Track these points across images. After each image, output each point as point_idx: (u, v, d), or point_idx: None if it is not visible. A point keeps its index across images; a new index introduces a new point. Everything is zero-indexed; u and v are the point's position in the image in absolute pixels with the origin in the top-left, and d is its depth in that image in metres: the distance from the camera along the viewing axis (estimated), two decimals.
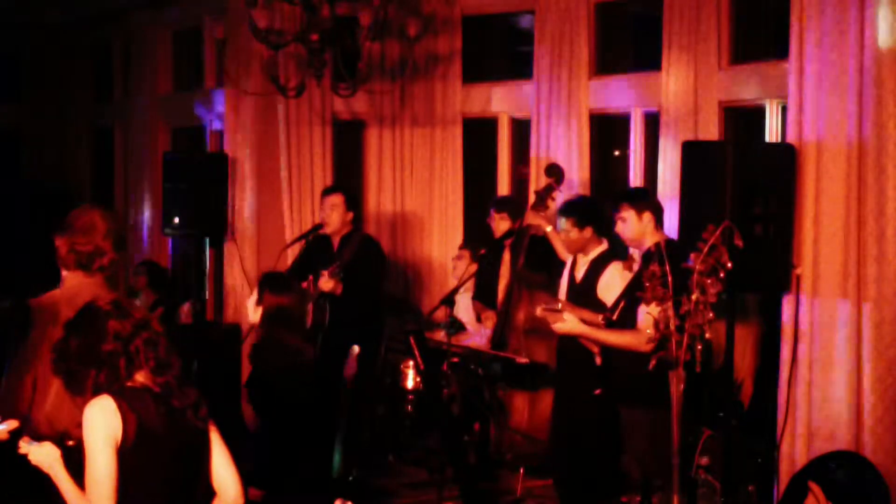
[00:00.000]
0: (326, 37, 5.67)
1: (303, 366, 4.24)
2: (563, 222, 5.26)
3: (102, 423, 2.79)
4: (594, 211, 5.30)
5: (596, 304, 5.10)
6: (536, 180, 6.57)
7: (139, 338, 2.87)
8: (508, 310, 5.95)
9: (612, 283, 5.12)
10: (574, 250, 5.33)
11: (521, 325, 5.83)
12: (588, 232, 5.22)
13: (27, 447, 2.93)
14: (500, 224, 6.17)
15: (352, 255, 5.92)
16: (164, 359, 2.90)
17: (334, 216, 5.97)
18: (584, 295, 5.19)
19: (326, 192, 6.15)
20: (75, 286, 3.51)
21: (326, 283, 5.70)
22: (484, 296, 6.51)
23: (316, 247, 6.13)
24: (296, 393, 4.20)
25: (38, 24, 9.85)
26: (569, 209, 5.29)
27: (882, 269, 4.34)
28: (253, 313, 4.26)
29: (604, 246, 5.29)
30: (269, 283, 4.29)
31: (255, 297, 4.27)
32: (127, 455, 2.80)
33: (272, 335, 4.19)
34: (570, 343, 5.03)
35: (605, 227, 5.22)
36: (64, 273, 3.59)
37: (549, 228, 5.76)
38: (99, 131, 10.11)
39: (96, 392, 2.84)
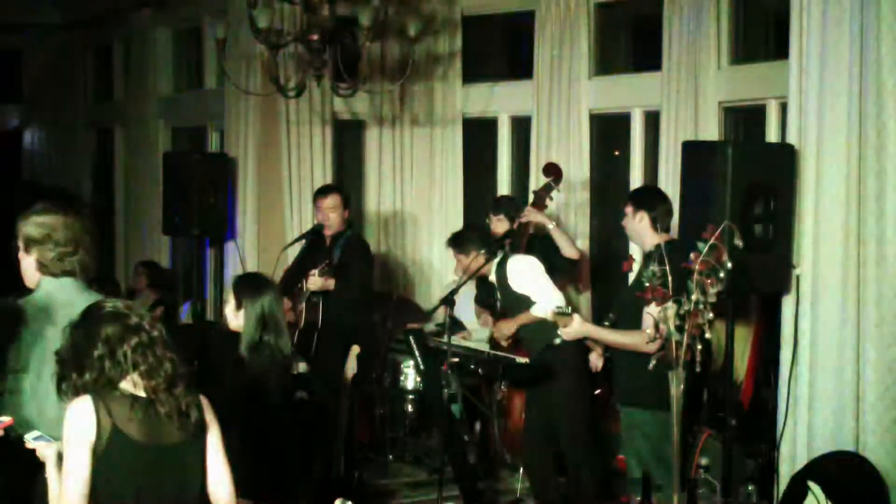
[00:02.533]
0: (326, 37, 5.66)
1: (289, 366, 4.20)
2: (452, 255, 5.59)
3: (77, 422, 2.77)
4: (466, 236, 5.55)
5: (523, 302, 5.20)
6: (536, 180, 6.57)
7: (128, 343, 2.83)
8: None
9: (519, 273, 5.27)
10: (473, 274, 5.43)
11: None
12: (473, 255, 5.39)
13: (34, 443, 2.92)
14: (498, 225, 6.18)
15: (341, 253, 5.94)
16: (154, 363, 2.84)
17: (333, 217, 5.98)
18: (510, 303, 5.32)
19: (323, 192, 6.13)
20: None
21: (315, 281, 5.72)
22: (484, 296, 6.51)
23: (312, 247, 6.14)
24: (285, 396, 4.17)
25: (38, 24, 9.85)
26: (448, 242, 5.64)
27: (882, 269, 4.33)
28: (234, 319, 4.11)
29: (494, 260, 5.39)
30: (247, 285, 4.17)
31: (232, 302, 4.11)
32: (100, 458, 2.77)
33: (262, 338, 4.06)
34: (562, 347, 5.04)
35: (482, 246, 5.44)
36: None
37: (551, 226, 5.77)
38: (99, 131, 10.11)
39: (78, 394, 2.82)
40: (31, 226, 3.53)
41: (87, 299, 3.39)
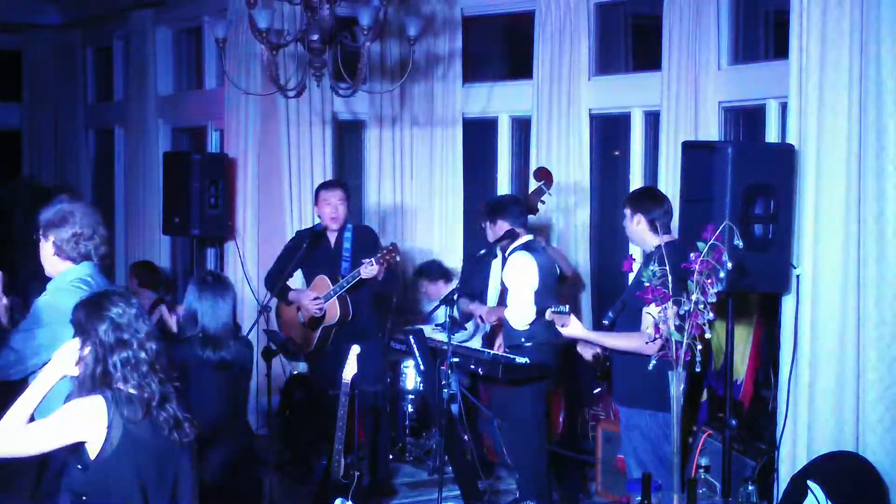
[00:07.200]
0: (326, 37, 5.66)
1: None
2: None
3: (84, 420, 2.83)
4: (501, 205, 5.46)
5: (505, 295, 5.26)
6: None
7: (117, 353, 2.88)
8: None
9: (511, 267, 5.27)
10: (498, 246, 5.45)
11: None
12: (501, 225, 5.37)
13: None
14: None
15: (352, 244, 5.95)
16: (139, 382, 2.89)
17: (342, 209, 6.01)
18: (503, 290, 5.35)
19: (330, 186, 6.11)
20: None
21: (371, 269, 5.65)
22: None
23: (312, 244, 6.08)
24: None
25: (38, 24, 9.85)
26: (482, 209, 5.57)
27: (882, 269, 4.34)
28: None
29: (521, 240, 5.36)
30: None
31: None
32: (111, 455, 2.84)
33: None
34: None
35: (519, 221, 5.38)
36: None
37: (544, 244, 5.80)
38: (99, 131, 10.11)
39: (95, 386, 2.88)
40: (51, 211, 3.64)
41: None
